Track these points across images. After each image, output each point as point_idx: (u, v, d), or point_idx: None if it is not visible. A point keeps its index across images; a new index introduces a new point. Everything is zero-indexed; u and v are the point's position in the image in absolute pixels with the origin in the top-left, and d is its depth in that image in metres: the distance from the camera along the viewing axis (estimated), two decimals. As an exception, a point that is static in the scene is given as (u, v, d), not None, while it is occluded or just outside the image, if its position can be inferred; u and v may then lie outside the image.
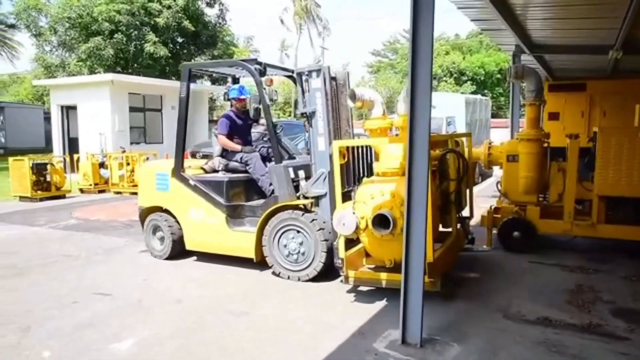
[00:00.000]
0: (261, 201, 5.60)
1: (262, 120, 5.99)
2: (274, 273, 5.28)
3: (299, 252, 5.11)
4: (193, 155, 10.24)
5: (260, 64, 5.48)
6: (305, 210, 5.13)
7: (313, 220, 5.01)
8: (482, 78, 34.82)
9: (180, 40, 22.85)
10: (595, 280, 5.03)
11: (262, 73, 5.45)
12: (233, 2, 33.36)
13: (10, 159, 11.65)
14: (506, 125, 15.29)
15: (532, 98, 6.17)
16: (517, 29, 7.48)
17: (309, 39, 44.47)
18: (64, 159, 12.84)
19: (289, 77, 6.37)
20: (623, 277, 5.14)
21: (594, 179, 5.75)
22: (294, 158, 6.02)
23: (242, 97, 6.08)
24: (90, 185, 12.47)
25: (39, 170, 11.15)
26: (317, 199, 5.12)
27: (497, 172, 7.87)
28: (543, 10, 6.68)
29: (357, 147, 5.59)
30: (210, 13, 23.63)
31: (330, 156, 4.83)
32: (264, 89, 5.43)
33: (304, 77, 5.16)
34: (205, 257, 5.86)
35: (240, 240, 5.46)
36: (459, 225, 5.32)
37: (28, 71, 34.58)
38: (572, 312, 4.18)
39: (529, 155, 6.08)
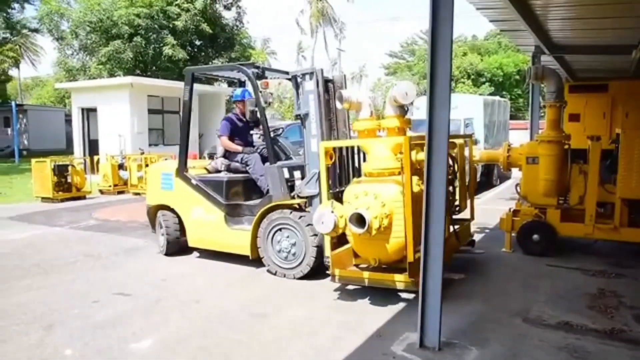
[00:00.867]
0: (258, 200, 5.71)
1: None
2: (269, 271, 5.37)
3: (289, 250, 5.22)
4: (211, 157, 10.28)
5: (258, 67, 5.62)
6: (300, 209, 5.23)
7: (301, 217, 5.12)
8: (501, 79, 34.35)
9: (198, 43, 23.14)
10: (617, 285, 4.92)
11: (261, 76, 5.59)
12: (250, 4, 33.69)
13: (33, 160, 11.90)
14: (525, 127, 15.11)
15: (553, 99, 6.10)
16: (537, 29, 7.40)
17: (324, 41, 44.58)
18: (85, 161, 13.08)
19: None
20: (647, 282, 5.02)
21: (617, 182, 5.64)
22: (291, 159, 6.16)
23: (243, 99, 6.23)
24: (110, 186, 12.65)
25: (61, 171, 11.36)
26: (310, 198, 5.20)
27: (516, 174, 7.76)
28: (564, 10, 6.59)
29: (350, 148, 5.64)
30: (228, 16, 23.93)
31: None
32: (260, 92, 5.56)
33: (298, 80, 5.26)
34: (223, 258, 5.90)
35: (238, 238, 5.61)
36: (452, 228, 5.22)
37: (50, 75, 35.40)
38: (594, 318, 4.10)
39: (550, 157, 6.00)
